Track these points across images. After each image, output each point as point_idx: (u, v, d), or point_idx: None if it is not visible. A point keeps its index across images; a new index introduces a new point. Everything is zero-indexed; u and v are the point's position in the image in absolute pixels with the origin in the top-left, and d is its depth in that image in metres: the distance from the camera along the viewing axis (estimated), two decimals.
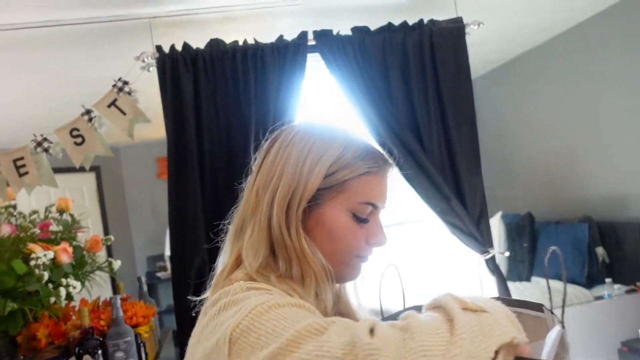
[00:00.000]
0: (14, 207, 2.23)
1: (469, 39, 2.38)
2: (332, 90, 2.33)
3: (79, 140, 2.09)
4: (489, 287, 2.42)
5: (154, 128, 2.67)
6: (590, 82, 3.41)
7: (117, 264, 2.38)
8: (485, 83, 4.50)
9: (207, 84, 2.20)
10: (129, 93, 2.13)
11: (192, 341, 0.77)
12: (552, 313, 0.73)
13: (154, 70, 2.20)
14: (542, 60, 3.82)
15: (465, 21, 2.38)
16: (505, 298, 0.72)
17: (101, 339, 1.90)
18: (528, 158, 4.16)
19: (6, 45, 2.30)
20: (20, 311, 1.76)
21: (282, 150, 0.85)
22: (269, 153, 0.88)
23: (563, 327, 0.77)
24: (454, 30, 2.35)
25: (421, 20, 2.34)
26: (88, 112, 2.10)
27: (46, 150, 2.10)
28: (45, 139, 2.09)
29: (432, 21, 2.35)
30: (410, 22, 2.34)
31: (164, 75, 2.18)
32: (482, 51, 3.51)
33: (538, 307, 0.74)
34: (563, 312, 0.77)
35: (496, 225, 3.66)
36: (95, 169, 5.62)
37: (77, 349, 1.86)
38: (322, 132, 0.86)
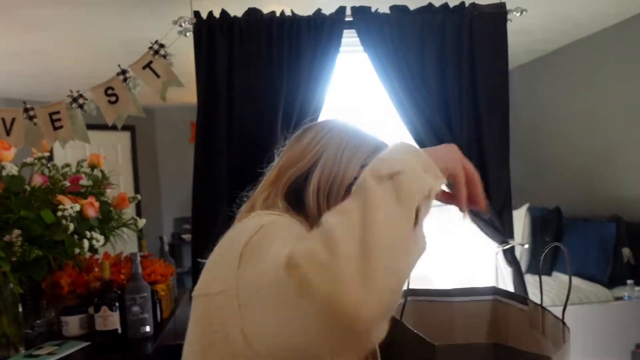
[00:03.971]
0: (48, 159, 2.31)
1: (512, 26, 2.32)
2: (364, 69, 2.32)
3: (113, 99, 2.13)
4: (506, 277, 2.41)
5: (189, 92, 2.69)
6: (636, 80, 3.29)
7: (141, 222, 2.45)
8: (525, 72, 4.39)
9: (242, 52, 2.21)
10: (164, 56, 2.16)
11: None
12: (543, 308, 0.74)
13: (190, 36, 2.22)
14: (585, 54, 3.70)
15: (508, 7, 2.32)
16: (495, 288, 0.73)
17: (119, 292, 1.97)
18: (561, 152, 4.07)
19: (46, 3, 2.35)
20: (45, 258, 1.84)
21: (316, 140, 0.96)
22: (299, 141, 0.98)
23: (563, 323, 0.78)
24: (496, 16, 2.29)
25: (462, 3, 2.30)
26: (123, 72, 2.14)
27: (81, 106, 2.16)
28: (80, 96, 2.15)
29: (473, 4, 2.30)
30: (452, 4, 2.29)
31: (200, 41, 2.20)
32: (525, 39, 3.42)
33: (523, 300, 0.76)
34: (564, 309, 0.78)
35: (522, 217, 3.62)
36: (130, 128, 5.73)
37: (96, 299, 1.94)
38: (356, 132, 0.98)
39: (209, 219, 2.22)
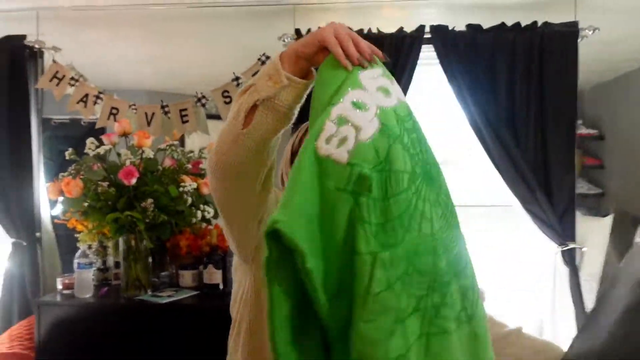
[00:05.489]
0: (180, 145, 2.88)
1: (596, 43, 2.46)
2: (438, 80, 2.61)
3: (227, 100, 2.64)
4: (563, 278, 2.59)
5: None
6: None
7: None
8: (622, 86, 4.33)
9: None
10: None
11: None
12: None
13: None
14: None
15: (581, 25, 2.48)
16: None
17: (223, 255, 2.47)
18: None
19: (183, 17, 2.90)
20: (169, 223, 2.38)
21: None
22: None
23: None
24: (567, 35, 2.47)
25: (534, 22, 2.50)
26: (237, 78, 2.64)
27: (203, 105, 2.69)
28: (203, 96, 2.68)
29: (545, 23, 2.49)
30: (524, 23, 2.50)
31: None
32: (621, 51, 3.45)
33: None
34: None
35: (607, 226, 3.66)
36: None
37: (205, 259, 2.46)
38: None
39: None
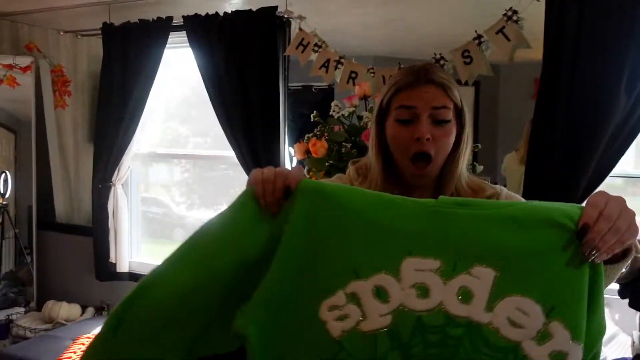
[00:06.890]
0: None
1: None
2: None
3: (467, 60, 2.52)
4: None
5: (534, 50, 2.87)
6: None
7: (479, 168, 2.84)
8: None
9: (592, 13, 2.26)
10: (516, 22, 2.42)
11: None
12: None
13: (542, 1, 2.40)
14: None
15: None
16: None
17: None
18: None
19: None
20: None
21: None
22: None
23: None
24: None
25: None
26: (479, 37, 2.49)
27: (442, 66, 2.60)
28: (442, 57, 2.60)
29: None
30: None
31: (552, 6, 2.36)
32: None
33: None
34: None
35: None
36: (475, 83, 6.10)
37: None
38: None
39: (544, 168, 2.43)
